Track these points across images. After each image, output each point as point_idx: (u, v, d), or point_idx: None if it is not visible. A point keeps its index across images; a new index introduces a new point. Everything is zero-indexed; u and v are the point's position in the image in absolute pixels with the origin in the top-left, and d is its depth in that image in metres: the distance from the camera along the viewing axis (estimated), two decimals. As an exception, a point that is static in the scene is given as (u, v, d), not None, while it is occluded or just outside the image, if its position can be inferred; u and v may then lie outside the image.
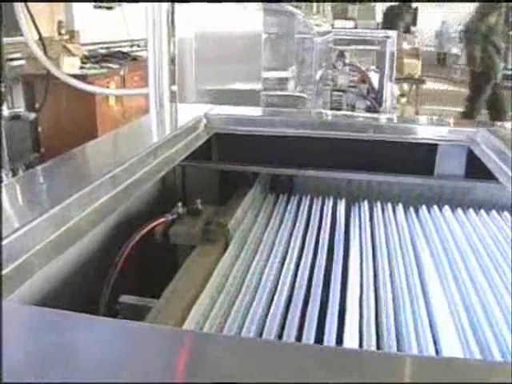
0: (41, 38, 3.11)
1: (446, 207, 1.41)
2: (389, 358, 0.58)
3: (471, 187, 1.44)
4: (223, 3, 1.85)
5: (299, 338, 0.87)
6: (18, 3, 2.47)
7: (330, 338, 0.86)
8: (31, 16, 3.04)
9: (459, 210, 1.40)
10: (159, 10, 1.75)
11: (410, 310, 0.94)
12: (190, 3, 1.87)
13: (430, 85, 6.60)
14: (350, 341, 0.85)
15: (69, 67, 4.84)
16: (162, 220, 1.29)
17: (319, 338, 0.87)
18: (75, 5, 5.76)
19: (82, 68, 5.12)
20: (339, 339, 0.86)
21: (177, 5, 1.85)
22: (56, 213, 0.86)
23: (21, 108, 3.16)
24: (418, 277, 1.07)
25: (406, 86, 5.82)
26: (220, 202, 1.54)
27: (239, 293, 1.01)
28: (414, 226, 1.33)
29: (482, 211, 1.39)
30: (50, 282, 1.05)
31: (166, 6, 1.75)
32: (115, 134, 1.35)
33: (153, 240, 1.27)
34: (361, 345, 0.85)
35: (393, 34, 3.11)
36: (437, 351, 0.84)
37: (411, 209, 1.42)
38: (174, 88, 1.88)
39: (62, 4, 5.72)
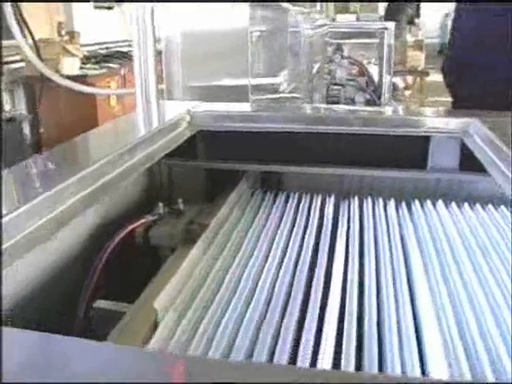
0: (34, 41, 3.08)
1: (440, 202, 1.35)
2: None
3: (466, 180, 1.39)
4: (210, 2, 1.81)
5: (275, 342, 0.83)
6: (7, 4, 2.44)
7: (306, 346, 0.81)
8: (23, 18, 3.01)
9: (453, 205, 1.34)
10: (143, 9, 1.71)
11: (394, 319, 0.88)
12: (175, 3, 1.84)
13: (435, 76, 6.51)
14: (326, 349, 0.80)
15: (69, 68, 4.82)
16: (141, 221, 1.24)
17: (295, 344, 0.83)
18: (75, 5, 5.74)
19: (82, 68, 5.10)
20: (316, 346, 0.81)
21: (161, 4, 1.82)
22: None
23: (18, 110, 3.14)
24: (406, 281, 1.01)
25: (410, 79, 5.75)
26: (207, 201, 1.50)
27: (215, 296, 0.97)
28: (405, 222, 1.27)
29: (478, 206, 1.34)
30: (27, 286, 1.02)
31: (150, 5, 1.72)
32: (92, 133, 1.31)
33: (133, 242, 1.23)
34: (338, 355, 0.79)
35: (391, 25, 3.05)
36: (422, 363, 0.79)
37: (403, 204, 1.37)
38: (162, 86, 1.84)
39: (61, 5, 5.70)
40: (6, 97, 4.24)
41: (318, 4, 3.70)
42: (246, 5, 1.80)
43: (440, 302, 0.94)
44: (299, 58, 2.12)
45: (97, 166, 1.02)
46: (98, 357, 0.50)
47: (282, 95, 1.96)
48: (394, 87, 5.15)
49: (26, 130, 4.21)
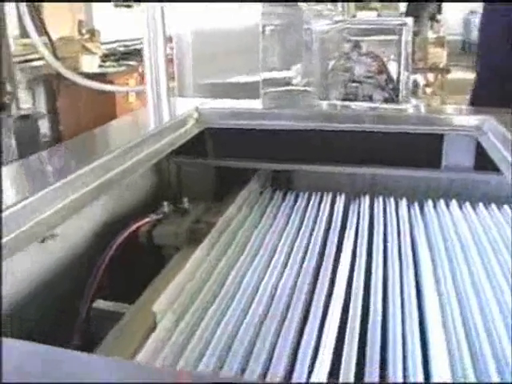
0: (50, 40, 3.10)
1: (454, 202, 1.31)
2: None
3: (481, 180, 1.34)
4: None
5: (273, 350, 0.80)
6: (22, 4, 2.45)
7: (305, 352, 0.78)
8: (39, 18, 3.03)
9: (467, 205, 1.29)
10: (153, 9, 1.71)
11: (400, 329, 0.84)
12: (185, 3, 1.83)
13: (458, 74, 6.39)
14: (326, 354, 0.76)
15: (88, 66, 4.84)
16: (146, 220, 1.23)
17: (295, 349, 0.80)
18: (95, 4, 5.78)
19: (101, 66, 5.12)
20: (316, 350, 0.78)
21: (172, 4, 1.82)
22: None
23: (37, 108, 3.16)
24: (414, 285, 0.96)
25: (431, 76, 5.64)
26: (216, 200, 1.48)
27: (216, 298, 0.94)
28: (416, 222, 1.23)
29: (493, 206, 1.29)
30: (32, 283, 1.01)
31: (160, 5, 1.72)
32: (99, 130, 1.29)
33: (137, 241, 1.21)
34: (338, 360, 0.76)
35: (409, 20, 2.98)
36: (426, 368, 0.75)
37: (416, 204, 1.33)
38: (172, 84, 1.83)
39: (82, 4, 5.75)
40: (26, 94, 4.28)
41: (339, 4, 3.66)
42: (257, 3, 1.78)
43: (450, 310, 0.89)
44: (311, 54, 2.08)
45: (95, 164, 1.01)
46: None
47: (293, 88, 1.92)
48: (415, 84, 5.07)
49: (44, 127, 4.23)
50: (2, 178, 0.90)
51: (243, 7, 1.80)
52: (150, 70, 1.75)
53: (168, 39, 1.84)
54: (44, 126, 4.47)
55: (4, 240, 0.77)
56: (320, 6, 2.37)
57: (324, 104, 1.55)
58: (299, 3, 2.14)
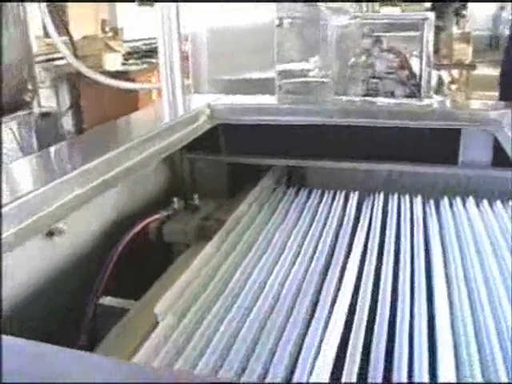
0: (71, 39, 3.13)
1: (471, 199, 1.27)
2: None
3: (499, 176, 1.30)
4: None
5: (273, 355, 0.78)
6: (43, 4, 2.47)
7: (309, 347, 0.76)
8: (60, 17, 3.06)
9: (485, 203, 1.25)
10: (168, 9, 1.72)
11: (407, 334, 0.81)
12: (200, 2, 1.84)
13: (484, 70, 6.27)
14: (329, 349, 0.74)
15: (111, 64, 4.88)
16: (155, 217, 1.22)
17: (300, 346, 0.78)
18: (118, 4, 5.83)
19: (124, 64, 5.16)
20: (319, 350, 0.76)
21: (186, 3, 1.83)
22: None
23: (53, 105, 3.19)
24: (425, 290, 0.93)
25: (456, 73, 5.54)
26: (230, 196, 1.47)
27: (220, 296, 0.92)
28: (431, 222, 1.19)
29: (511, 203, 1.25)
30: (41, 280, 1.01)
31: (174, 4, 1.72)
32: (110, 125, 1.29)
33: (146, 238, 1.21)
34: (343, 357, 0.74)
35: (431, 15, 2.93)
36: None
37: (431, 202, 1.29)
38: (187, 81, 1.83)
39: (106, 3, 5.82)
40: (50, 92, 4.33)
41: (364, 4, 3.62)
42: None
43: (461, 317, 0.85)
44: (328, 49, 2.06)
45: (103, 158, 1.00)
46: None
47: (309, 79, 1.90)
48: (441, 81, 4.98)
49: (68, 124, 4.28)
50: (1, 177, 0.90)
51: (258, 6, 1.80)
52: (165, 67, 1.76)
53: (184, 38, 1.84)
54: (68, 123, 4.52)
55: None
56: (340, 4, 2.34)
57: (340, 99, 1.52)
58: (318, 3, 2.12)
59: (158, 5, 1.74)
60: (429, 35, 2.97)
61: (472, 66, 5.62)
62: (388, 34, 3.54)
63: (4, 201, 0.80)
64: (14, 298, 0.93)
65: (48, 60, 4.26)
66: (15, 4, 2.32)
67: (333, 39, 1.97)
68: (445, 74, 5.28)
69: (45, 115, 2.56)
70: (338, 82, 2.14)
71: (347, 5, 2.51)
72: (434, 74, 3.87)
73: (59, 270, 1.07)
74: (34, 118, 2.57)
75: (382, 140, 1.37)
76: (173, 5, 1.68)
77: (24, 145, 2.56)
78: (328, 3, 2.07)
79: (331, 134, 1.40)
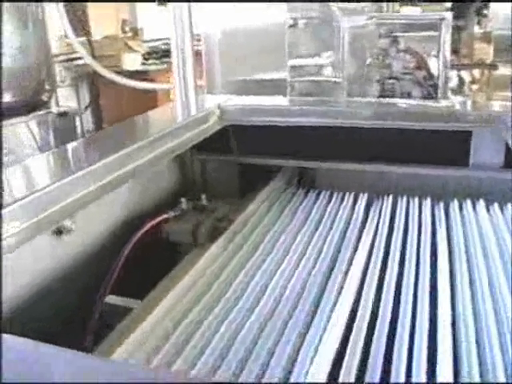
0: (89, 40, 3.16)
1: (481, 202, 1.26)
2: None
3: (511, 178, 1.28)
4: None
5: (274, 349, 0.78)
6: (60, 4, 2.50)
7: (308, 348, 0.76)
8: (78, 18, 3.09)
9: (495, 205, 1.24)
10: (180, 9, 1.73)
11: (407, 338, 0.81)
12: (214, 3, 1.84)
13: (506, 70, 6.19)
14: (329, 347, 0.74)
15: (130, 63, 4.91)
16: (163, 217, 1.22)
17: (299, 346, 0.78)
18: (139, 4, 5.87)
19: (144, 64, 5.19)
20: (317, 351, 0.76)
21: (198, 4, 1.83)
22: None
23: (71, 105, 3.24)
24: (428, 296, 0.92)
25: (477, 73, 5.48)
26: (240, 197, 1.47)
27: (222, 297, 0.93)
28: (440, 227, 1.18)
29: (522, 206, 1.23)
30: (50, 277, 1.02)
31: (187, 5, 1.73)
32: (118, 126, 1.30)
33: (154, 238, 1.21)
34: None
35: (448, 15, 2.90)
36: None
37: (441, 204, 1.28)
38: (200, 81, 1.85)
39: (126, 3, 5.86)
40: (71, 91, 4.38)
41: (384, 4, 3.60)
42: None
43: (464, 325, 0.83)
44: (340, 50, 2.05)
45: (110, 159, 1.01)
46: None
47: (321, 78, 1.89)
48: (461, 82, 4.92)
49: (88, 123, 4.32)
50: (2, 177, 0.91)
51: (271, 6, 1.79)
52: (177, 68, 1.77)
53: (197, 38, 1.85)
54: (88, 122, 4.58)
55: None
56: (354, 4, 2.33)
57: (353, 100, 1.52)
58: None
59: (170, 5, 1.76)
60: (446, 35, 2.94)
61: (494, 66, 5.54)
62: (405, 34, 3.52)
63: (17, 196, 0.81)
64: (21, 297, 0.94)
65: (69, 60, 4.31)
66: (34, 5, 2.36)
67: (344, 40, 1.96)
68: (465, 74, 5.22)
69: (62, 114, 2.60)
70: (353, 82, 2.12)
71: (362, 5, 2.50)
72: (454, 74, 3.83)
73: (66, 269, 1.08)
74: (52, 117, 2.61)
75: (393, 141, 1.36)
76: (185, 5, 1.69)
77: (42, 143, 2.60)
78: (341, 3, 2.06)
79: (342, 135, 1.40)
